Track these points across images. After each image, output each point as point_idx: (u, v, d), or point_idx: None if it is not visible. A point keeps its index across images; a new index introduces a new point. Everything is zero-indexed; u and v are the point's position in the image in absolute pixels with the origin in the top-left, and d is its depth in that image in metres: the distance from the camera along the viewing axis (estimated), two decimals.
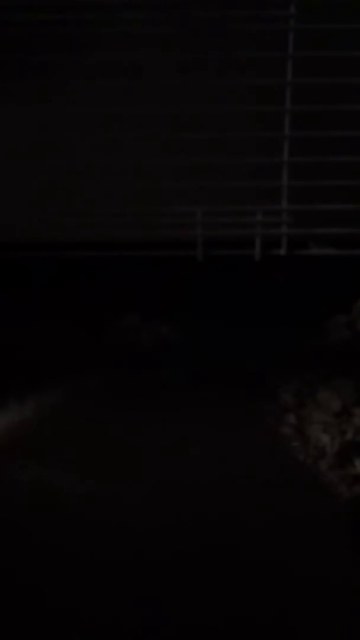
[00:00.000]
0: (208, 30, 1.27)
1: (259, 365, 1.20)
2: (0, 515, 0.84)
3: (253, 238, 1.36)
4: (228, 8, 1.26)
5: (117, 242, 1.32)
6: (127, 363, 1.21)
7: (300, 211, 1.35)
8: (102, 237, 1.32)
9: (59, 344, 1.25)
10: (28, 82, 1.28)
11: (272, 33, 1.28)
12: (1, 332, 1.27)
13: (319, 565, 0.89)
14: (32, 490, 0.90)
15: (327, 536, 0.94)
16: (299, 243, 1.38)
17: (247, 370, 1.20)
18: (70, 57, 1.26)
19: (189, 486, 0.99)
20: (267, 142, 1.33)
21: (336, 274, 1.34)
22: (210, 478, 1.00)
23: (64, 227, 1.31)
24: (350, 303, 1.36)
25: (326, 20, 1.26)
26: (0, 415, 1.06)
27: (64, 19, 1.24)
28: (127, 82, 1.27)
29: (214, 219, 1.34)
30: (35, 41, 1.26)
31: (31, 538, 0.83)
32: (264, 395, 1.16)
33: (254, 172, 1.34)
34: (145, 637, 0.75)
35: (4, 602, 0.76)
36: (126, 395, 1.15)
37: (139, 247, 1.31)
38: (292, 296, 1.33)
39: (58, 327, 1.29)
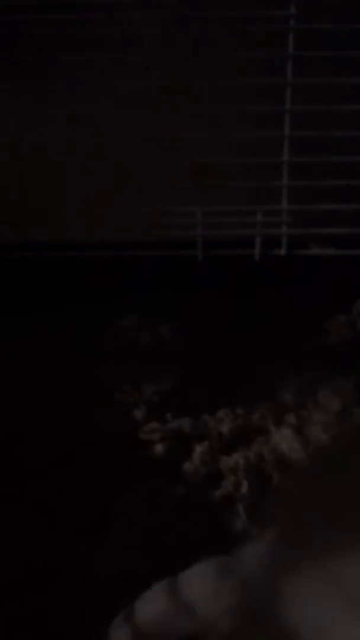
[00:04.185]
0: (208, 30, 1.27)
1: (259, 365, 1.20)
2: None
3: (253, 238, 1.36)
4: (228, 8, 1.26)
5: (117, 242, 1.32)
6: (127, 363, 1.21)
7: (300, 211, 1.35)
8: (102, 237, 1.32)
9: (58, 343, 1.25)
10: (28, 82, 1.28)
11: (272, 33, 1.28)
12: (0, 331, 1.27)
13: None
14: None
15: None
16: (299, 243, 1.38)
17: (247, 371, 1.19)
18: (70, 57, 1.26)
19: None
20: (267, 142, 1.33)
21: (336, 274, 1.33)
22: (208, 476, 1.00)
23: (64, 227, 1.31)
24: (350, 303, 1.36)
25: (326, 20, 1.26)
26: None
27: (63, 19, 1.24)
28: (126, 82, 1.27)
29: (214, 219, 1.34)
30: (35, 41, 1.25)
31: None
32: (264, 395, 1.15)
33: (254, 172, 1.33)
34: None
35: None
36: (125, 395, 1.16)
37: (139, 247, 1.31)
38: (292, 296, 1.33)
39: (57, 327, 1.29)
